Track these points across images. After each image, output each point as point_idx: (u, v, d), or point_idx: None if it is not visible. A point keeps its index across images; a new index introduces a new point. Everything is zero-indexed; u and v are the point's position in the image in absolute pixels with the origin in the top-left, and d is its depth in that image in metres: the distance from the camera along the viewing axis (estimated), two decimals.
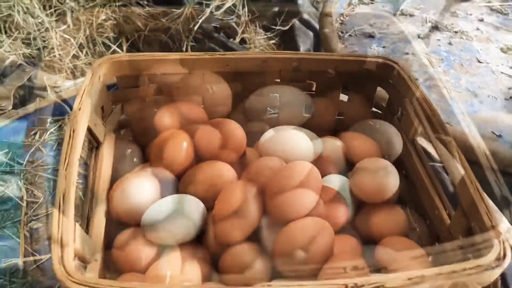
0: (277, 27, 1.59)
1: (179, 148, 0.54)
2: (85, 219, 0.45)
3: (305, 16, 1.63)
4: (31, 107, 0.76)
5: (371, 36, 1.15)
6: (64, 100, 0.77)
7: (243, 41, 1.54)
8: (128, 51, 1.47)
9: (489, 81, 1.00)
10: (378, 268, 0.52)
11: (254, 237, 0.51)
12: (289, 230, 0.48)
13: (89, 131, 0.48)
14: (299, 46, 1.55)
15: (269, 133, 0.61)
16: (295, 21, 1.60)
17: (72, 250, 0.36)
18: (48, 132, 0.72)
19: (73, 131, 0.44)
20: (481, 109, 0.91)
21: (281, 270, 0.48)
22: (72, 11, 1.36)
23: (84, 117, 0.46)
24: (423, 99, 0.54)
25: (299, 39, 1.58)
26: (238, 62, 0.59)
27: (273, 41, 1.61)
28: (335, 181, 0.59)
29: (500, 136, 0.84)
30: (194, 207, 0.51)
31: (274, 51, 0.60)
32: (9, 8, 1.25)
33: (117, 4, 1.46)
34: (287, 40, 1.62)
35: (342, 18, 1.22)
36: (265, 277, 0.48)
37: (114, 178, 0.54)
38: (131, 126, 0.61)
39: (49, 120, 0.75)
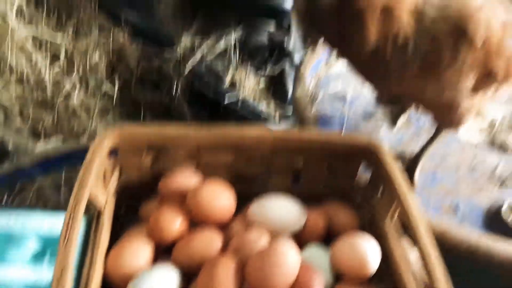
0: (267, 73, 1.65)
1: (174, 222, 0.58)
2: (83, 285, 0.47)
3: (296, 60, 1.69)
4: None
5: (344, 97, 1.18)
6: (37, 164, 0.78)
7: (232, 84, 1.59)
8: (119, 89, 1.49)
9: (454, 149, 1.00)
10: None
11: None
12: None
13: (90, 201, 0.51)
14: (288, 92, 1.61)
15: (258, 203, 0.65)
16: (285, 67, 1.66)
17: None
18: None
19: (75, 206, 0.47)
20: (442, 179, 0.94)
21: None
22: (66, 51, 1.37)
23: (86, 189, 0.49)
24: (400, 184, 0.59)
25: (289, 84, 1.65)
26: (232, 136, 0.63)
27: (263, 86, 1.66)
28: (316, 251, 0.63)
29: (457, 207, 0.88)
30: (174, 280, 0.55)
31: (261, 128, 0.65)
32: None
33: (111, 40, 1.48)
34: (278, 84, 1.68)
35: (318, 78, 1.25)
36: None
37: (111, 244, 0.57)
38: (129, 190, 0.64)
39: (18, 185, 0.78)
